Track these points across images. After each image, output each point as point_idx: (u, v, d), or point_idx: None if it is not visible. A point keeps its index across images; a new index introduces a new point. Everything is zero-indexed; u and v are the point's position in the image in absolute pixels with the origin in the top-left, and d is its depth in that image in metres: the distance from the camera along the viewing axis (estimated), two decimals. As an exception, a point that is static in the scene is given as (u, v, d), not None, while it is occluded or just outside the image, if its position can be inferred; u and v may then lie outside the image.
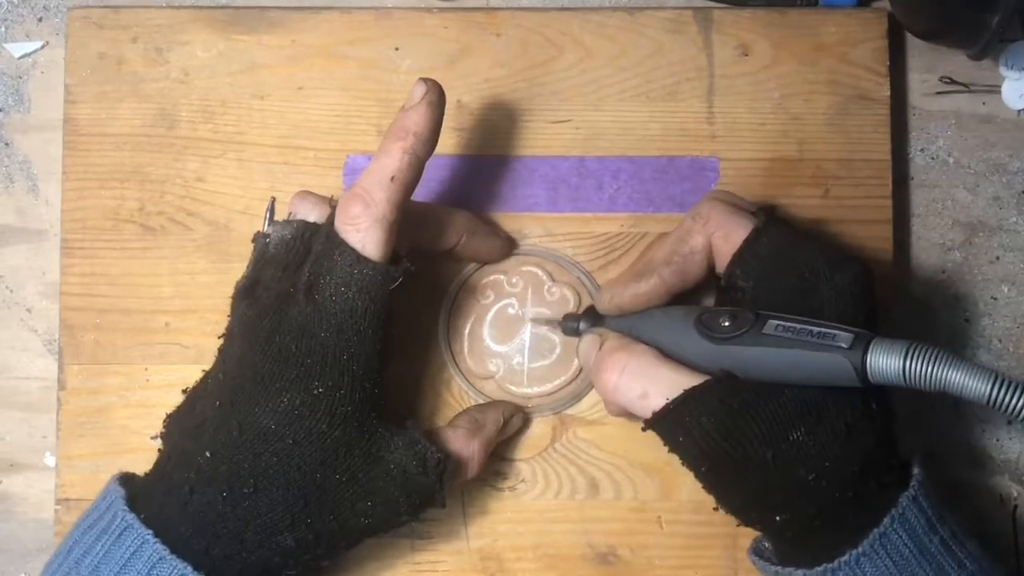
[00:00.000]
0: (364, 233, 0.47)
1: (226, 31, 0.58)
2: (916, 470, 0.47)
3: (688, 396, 0.46)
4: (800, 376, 0.45)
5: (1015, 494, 0.58)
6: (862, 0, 0.60)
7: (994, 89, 0.60)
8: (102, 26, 0.58)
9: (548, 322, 0.56)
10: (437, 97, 0.49)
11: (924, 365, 0.42)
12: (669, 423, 0.47)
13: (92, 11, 0.58)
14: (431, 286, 0.56)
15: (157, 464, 0.48)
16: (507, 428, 0.54)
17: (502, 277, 0.57)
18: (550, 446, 0.56)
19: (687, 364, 0.48)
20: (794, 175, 0.58)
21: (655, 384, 0.48)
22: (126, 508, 0.45)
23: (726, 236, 0.50)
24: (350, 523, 0.47)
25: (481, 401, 0.56)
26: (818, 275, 0.48)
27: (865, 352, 0.43)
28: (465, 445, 0.51)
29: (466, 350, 0.57)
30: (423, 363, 0.56)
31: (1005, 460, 0.59)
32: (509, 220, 0.57)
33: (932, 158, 0.60)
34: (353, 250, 0.46)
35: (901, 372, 0.43)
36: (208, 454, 0.45)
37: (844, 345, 0.44)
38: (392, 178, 0.47)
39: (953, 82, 0.60)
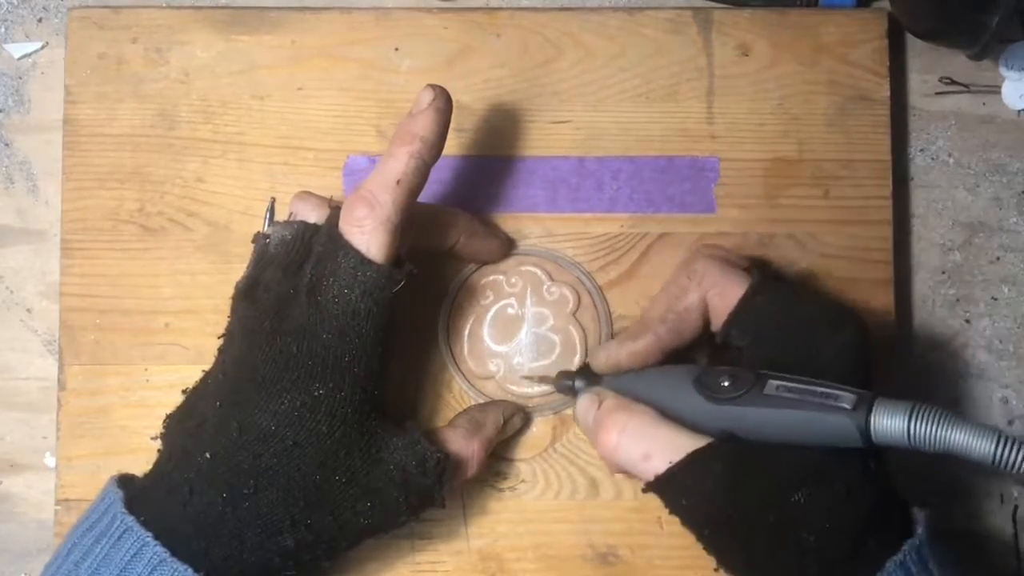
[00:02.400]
0: (368, 235, 0.47)
1: (226, 31, 0.58)
2: (919, 529, 0.46)
3: (692, 459, 0.46)
4: (803, 437, 0.45)
5: (1015, 494, 0.58)
6: (862, 0, 0.60)
7: (994, 89, 0.60)
8: (102, 26, 0.58)
9: (543, 380, 0.56)
10: (444, 103, 0.49)
11: (928, 427, 0.42)
12: (673, 487, 0.47)
13: (92, 11, 0.58)
14: (431, 287, 0.56)
15: (156, 465, 0.48)
16: (507, 428, 0.54)
17: (501, 277, 0.57)
18: (550, 446, 0.56)
19: (687, 424, 0.48)
20: (794, 175, 0.58)
21: (656, 446, 0.47)
22: (125, 510, 0.45)
23: (721, 293, 0.50)
24: (350, 524, 0.47)
25: (481, 401, 0.56)
26: (816, 334, 0.48)
27: (869, 413, 0.43)
28: (465, 445, 0.51)
29: (466, 351, 0.57)
30: (423, 363, 0.56)
31: (1005, 460, 0.59)
32: (509, 220, 0.57)
33: (932, 158, 0.60)
34: (357, 252, 0.46)
35: (905, 433, 0.43)
36: (208, 455, 0.45)
37: (847, 406, 0.44)
38: (398, 181, 0.47)
39: (953, 82, 0.60)
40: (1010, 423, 0.59)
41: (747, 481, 0.45)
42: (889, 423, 0.43)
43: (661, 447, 0.47)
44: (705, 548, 0.48)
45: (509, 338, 0.57)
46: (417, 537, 0.55)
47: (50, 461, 0.57)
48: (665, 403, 0.49)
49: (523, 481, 0.56)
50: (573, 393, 0.54)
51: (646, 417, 0.49)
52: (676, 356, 0.52)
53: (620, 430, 0.49)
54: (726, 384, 0.46)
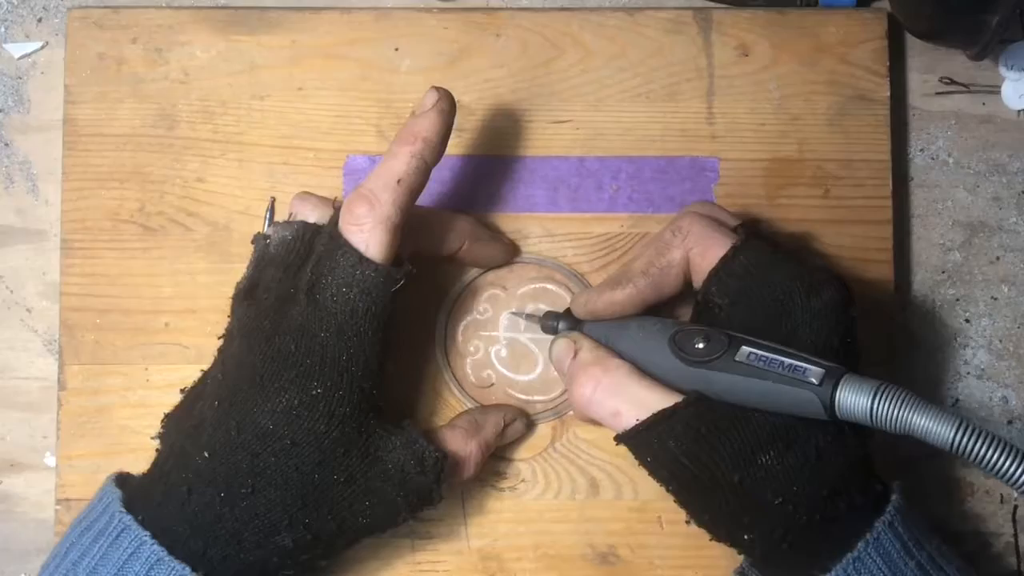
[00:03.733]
0: (368, 234, 0.47)
1: (226, 31, 0.58)
2: (894, 496, 0.47)
3: (656, 419, 0.47)
4: (769, 406, 0.46)
5: (1015, 494, 0.58)
6: (862, 0, 0.60)
7: (994, 89, 0.60)
8: (102, 26, 0.58)
9: (529, 318, 0.56)
10: (448, 106, 0.49)
11: (891, 407, 0.42)
12: (637, 443, 0.48)
13: (92, 11, 0.58)
14: (432, 289, 0.56)
15: (155, 464, 0.48)
16: (508, 432, 0.54)
17: (500, 293, 0.57)
18: (550, 446, 0.56)
19: (661, 380, 0.48)
20: (794, 175, 0.58)
21: (627, 403, 0.48)
22: (123, 509, 0.45)
23: (703, 252, 0.50)
24: (348, 523, 0.47)
25: (474, 406, 0.56)
26: (793, 297, 0.48)
27: (834, 389, 0.44)
28: (463, 445, 0.51)
29: (462, 356, 0.57)
30: (423, 364, 0.56)
31: (1005, 460, 0.58)
32: (509, 220, 0.57)
33: (932, 158, 0.60)
34: (356, 251, 0.46)
35: (868, 412, 0.43)
36: (206, 454, 0.45)
37: (814, 380, 0.44)
38: (399, 181, 0.47)
39: (953, 82, 0.60)
40: (1009, 423, 0.59)
41: (712, 442, 0.46)
42: (853, 400, 0.43)
43: (630, 404, 0.48)
44: (674, 501, 0.49)
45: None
46: (417, 537, 0.55)
47: (50, 461, 0.57)
48: (641, 358, 0.50)
49: (523, 481, 0.56)
50: (555, 332, 0.54)
51: (619, 373, 0.49)
52: (657, 308, 0.52)
53: (594, 386, 0.49)
54: (700, 346, 0.47)
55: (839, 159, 0.58)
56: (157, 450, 0.48)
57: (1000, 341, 0.59)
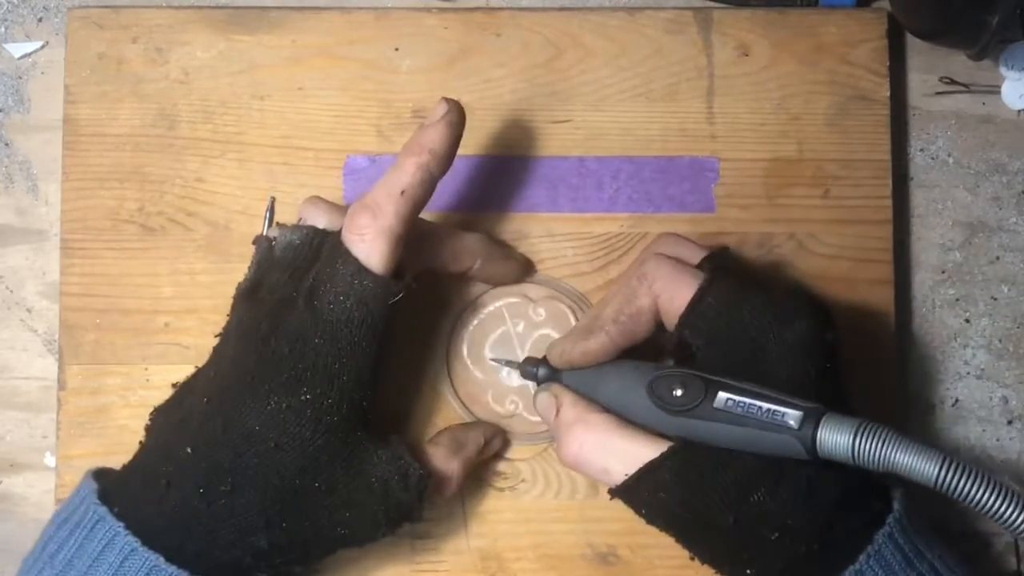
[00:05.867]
0: (369, 244, 0.47)
1: (226, 31, 0.58)
2: (896, 506, 0.47)
3: (643, 473, 0.47)
4: (752, 450, 0.45)
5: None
6: (862, 0, 0.60)
7: (994, 89, 0.60)
8: (102, 26, 0.58)
9: (508, 364, 0.56)
10: (457, 117, 0.49)
11: (873, 446, 0.42)
12: (630, 497, 0.48)
13: (92, 11, 0.58)
14: (439, 305, 0.56)
15: (136, 457, 0.48)
16: (487, 449, 0.54)
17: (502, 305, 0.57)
18: (550, 446, 0.56)
19: (644, 427, 0.48)
20: (794, 175, 0.58)
21: (614, 458, 0.48)
22: (98, 501, 0.45)
23: (671, 297, 0.49)
24: (326, 532, 0.47)
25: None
26: (765, 333, 0.47)
27: (815, 431, 0.44)
28: (446, 463, 0.51)
29: (464, 372, 0.57)
30: (421, 379, 0.56)
31: (1005, 460, 0.59)
32: (509, 220, 0.57)
33: (932, 158, 0.60)
34: (356, 260, 0.46)
35: (850, 451, 0.43)
36: (189, 449, 0.45)
37: (793, 424, 0.44)
38: (403, 192, 0.47)
39: (953, 82, 0.60)
40: (1010, 423, 0.59)
41: (702, 487, 0.46)
42: (834, 441, 0.43)
43: (617, 459, 0.48)
44: (676, 542, 0.49)
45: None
46: (417, 537, 0.55)
47: (50, 461, 0.57)
48: (622, 407, 0.50)
49: (523, 481, 0.56)
50: (536, 380, 0.54)
51: (601, 429, 0.49)
52: (635, 350, 0.51)
53: (579, 445, 0.49)
54: (678, 393, 0.47)
55: (839, 159, 0.58)
56: (140, 443, 0.48)
57: (1000, 341, 0.59)
